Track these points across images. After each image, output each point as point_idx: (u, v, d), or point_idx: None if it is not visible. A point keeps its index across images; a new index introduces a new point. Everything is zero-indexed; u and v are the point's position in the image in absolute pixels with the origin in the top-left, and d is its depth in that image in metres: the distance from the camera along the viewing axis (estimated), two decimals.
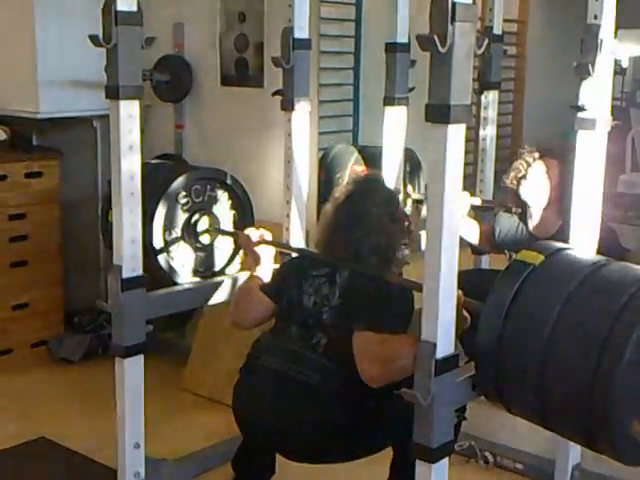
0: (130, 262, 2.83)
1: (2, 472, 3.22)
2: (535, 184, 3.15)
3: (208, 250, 3.26)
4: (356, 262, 2.66)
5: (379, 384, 2.43)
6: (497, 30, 3.59)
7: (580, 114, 2.46)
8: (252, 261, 3.02)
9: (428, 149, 2.02)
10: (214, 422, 3.53)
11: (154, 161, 3.80)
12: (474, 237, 3.43)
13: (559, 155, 3.16)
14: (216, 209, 3.27)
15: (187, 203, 3.16)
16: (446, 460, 2.16)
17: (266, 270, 2.96)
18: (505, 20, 3.67)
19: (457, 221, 2.07)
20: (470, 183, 4.04)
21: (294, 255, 3.01)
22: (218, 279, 3.29)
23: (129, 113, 2.74)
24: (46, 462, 3.31)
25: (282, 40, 3.16)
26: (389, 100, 3.44)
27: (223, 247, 3.31)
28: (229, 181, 3.29)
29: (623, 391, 1.89)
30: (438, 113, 1.96)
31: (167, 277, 3.14)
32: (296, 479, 3.12)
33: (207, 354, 3.91)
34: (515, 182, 3.19)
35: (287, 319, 2.71)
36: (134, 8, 2.67)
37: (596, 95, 2.44)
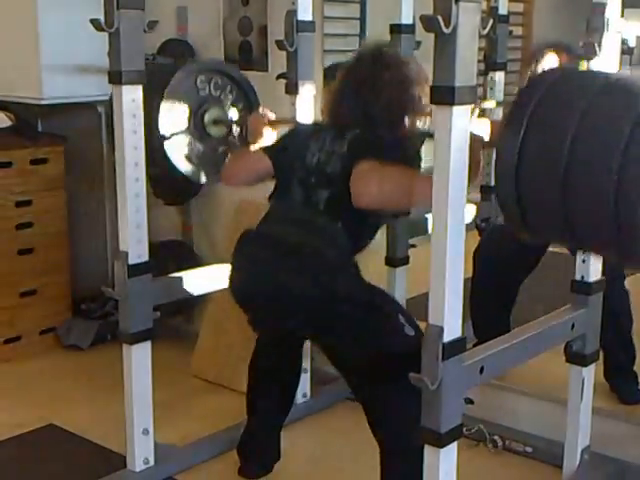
0: (136, 248, 2.83)
1: (11, 460, 3.23)
2: None
3: (215, 143, 3.20)
4: (364, 127, 2.59)
5: (368, 204, 2.41)
6: (502, 10, 3.56)
7: None
8: (256, 138, 2.94)
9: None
10: (223, 407, 3.52)
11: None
12: (485, 133, 3.32)
13: (570, 49, 3.11)
14: (220, 101, 3.20)
15: (193, 95, 3.10)
16: (455, 445, 2.15)
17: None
18: (510, 0, 3.63)
19: (464, 207, 2.05)
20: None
21: None
22: (225, 265, 3.28)
23: (132, 98, 2.73)
24: (55, 449, 3.30)
25: (286, 23, 3.15)
26: None
27: (230, 144, 3.25)
28: (236, 75, 3.23)
29: None
30: (443, 95, 1.94)
31: (174, 170, 3.08)
32: (299, 467, 3.14)
33: (215, 339, 3.91)
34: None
35: (287, 182, 2.65)
36: None
37: None
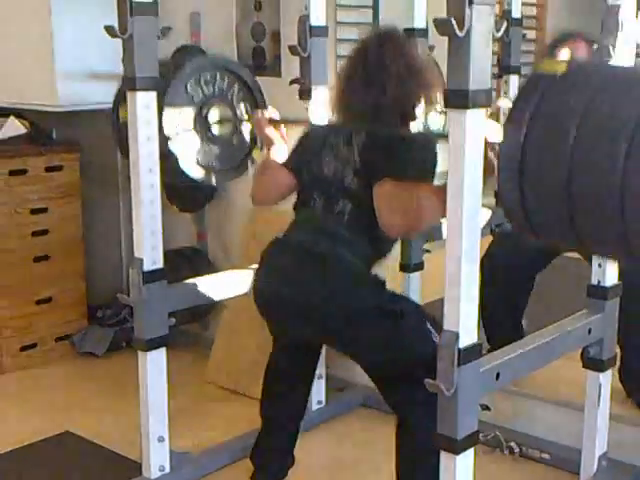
0: (151, 255, 2.83)
1: (27, 467, 3.23)
2: None
3: (223, 143, 3.18)
4: (374, 120, 2.59)
5: (399, 233, 2.51)
6: (516, 13, 3.55)
7: None
8: (265, 142, 2.94)
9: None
10: (238, 414, 3.52)
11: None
12: (498, 136, 3.26)
13: (585, 38, 3.08)
14: (227, 100, 3.17)
15: (197, 93, 3.07)
16: (471, 451, 2.14)
17: (281, 150, 2.89)
18: (524, 4, 3.62)
19: (479, 212, 2.03)
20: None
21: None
22: (240, 272, 3.28)
23: (146, 104, 2.73)
24: (71, 456, 3.31)
25: (299, 28, 3.14)
26: None
27: (239, 141, 3.22)
28: (241, 72, 3.21)
29: None
30: (457, 98, 1.93)
31: (180, 171, 3.06)
32: (313, 474, 3.13)
33: (230, 346, 3.90)
34: None
35: (309, 191, 2.67)
36: None
37: None
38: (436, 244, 3.52)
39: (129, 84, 2.71)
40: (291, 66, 3.45)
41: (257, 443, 3.00)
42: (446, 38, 1.92)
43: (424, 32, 3.32)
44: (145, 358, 2.88)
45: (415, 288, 3.50)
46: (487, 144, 2.11)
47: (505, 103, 3.40)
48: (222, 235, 4.23)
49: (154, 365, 2.90)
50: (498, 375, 2.20)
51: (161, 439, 2.95)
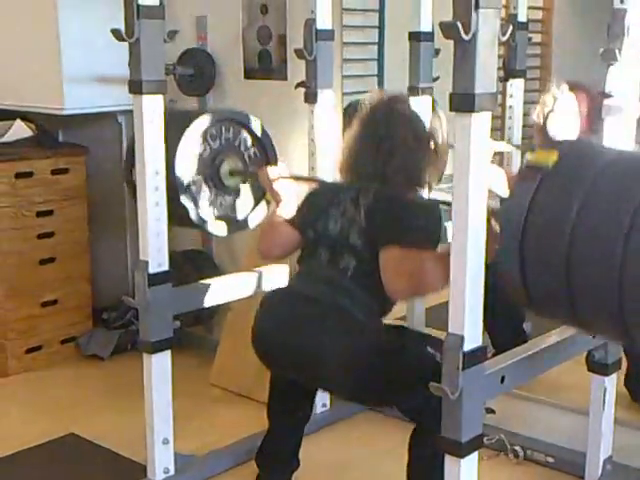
0: (156, 257, 2.84)
1: (32, 469, 3.23)
2: (563, 118, 3.06)
3: (233, 194, 3.22)
4: (381, 184, 2.62)
5: (403, 298, 2.56)
6: (522, 17, 3.55)
7: (607, 101, 2.43)
8: (273, 198, 2.98)
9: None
10: (242, 417, 3.52)
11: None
12: (502, 187, 3.26)
13: (589, 89, 3.10)
14: (237, 152, 3.21)
15: (207, 146, 3.11)
16: (475, 454, 2.14)
17: (288, 206, 2.90)
18: (530, 7, 3.63)
19: (483, 216, 2.03)
20: None
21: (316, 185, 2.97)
22: (245, 274, 3.28)
23: (152, 108, 2.74)
24: (75, 459, 3.31)
25: (305, 31, 3.15)
26: (413, 90, 3.40)
27: (249, 193, 3.25)
28: (252, 125, 3.24)
29: None
30: (462, 102, 1.94)
31: (191, 222, 3.10)
32: (318, 477, 3.13)
33: (235, 349, 3.90)
34: (542, 117, 3.12)
35: (315, 246, 2.69)
36: (156, 1, 2.68)
37: (623, 81, 2.41)
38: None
39: (135, 87, 2.72)
40: (297, 69, 3.45)
41: (262, 446, 3.00)
42: (452, 42, 1.92)
43: (430, 35, 3.33)
44: (150, 360, 2.89)
45: None
46: (490, 213, 2.11)
47: (506, 147, 3.41)
48: (227, 238, 4.22)
49: (159, 367, 2.90)
50: (503, 379, 2.20)
51: (166, 441, 2.95)
